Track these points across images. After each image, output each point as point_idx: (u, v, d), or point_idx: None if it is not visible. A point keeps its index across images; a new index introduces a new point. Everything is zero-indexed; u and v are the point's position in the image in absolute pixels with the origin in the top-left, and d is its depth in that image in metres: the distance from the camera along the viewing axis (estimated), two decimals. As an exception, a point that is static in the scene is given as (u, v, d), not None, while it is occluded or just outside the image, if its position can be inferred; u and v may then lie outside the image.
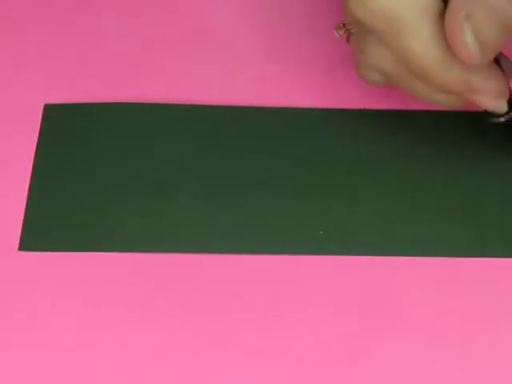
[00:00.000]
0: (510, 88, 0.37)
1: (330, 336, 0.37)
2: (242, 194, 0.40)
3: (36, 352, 0.36)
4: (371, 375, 0.36)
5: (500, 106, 0.37)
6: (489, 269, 0.38)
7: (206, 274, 0.38)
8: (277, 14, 0.47)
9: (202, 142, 0.42)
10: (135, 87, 0.44)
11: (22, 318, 0.37)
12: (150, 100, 0.43)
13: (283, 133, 0.42)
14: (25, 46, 0.45)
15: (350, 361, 0.36)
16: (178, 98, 0.43)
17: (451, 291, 0.38)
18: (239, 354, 0.36)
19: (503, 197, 0.40)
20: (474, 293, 0.38)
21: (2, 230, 0.39)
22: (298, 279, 0.38)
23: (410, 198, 0.40)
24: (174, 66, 0.45)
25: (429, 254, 0.39)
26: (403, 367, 0.36)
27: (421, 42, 0.35)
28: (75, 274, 0.38)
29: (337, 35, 0.40)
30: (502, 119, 0.38)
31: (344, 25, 0.40)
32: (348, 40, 0.40)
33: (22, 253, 0.39)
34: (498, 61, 0.37)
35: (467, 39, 0.34)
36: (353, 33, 0.39)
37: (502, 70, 0.37)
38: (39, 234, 0.39)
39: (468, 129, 0.42)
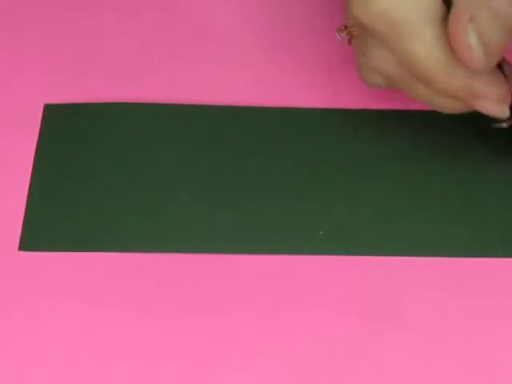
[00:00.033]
0: None
1: (330, 336, 0.37)
2: (241, 194, 0.40)
3: (36, 352, 0.36)
4: (371, 375, 0.36)
5: (502, 112, 0.37)
6: (489, 269, 0.38)
7: (206, 274, 0.38)
8: (277, 14, 0.47)
9: (201, 142, 0.42)
10: (135, 87, 0.44)
11: (22, 318, 0.37)
12: (150, 100, 0.43)
13: (283, 133, 0.42)
14: (25, 46, 0.45)
15: (350, 361, 0.36)
16: (178, 98, 0.43)
17: (451, 291, 0.38)
18: (239, 354, 0.36)
19: (503, 197, 0.40)
20: (474, 293, 0.38)
21: (2, 230, 0.39)
22: (297, 279, 0.38)
23: (410, 198, 0.40)
24: (174, 66, 0.45)
25: (429, 254, 0.39)
26: (403, 367, 0.36)
27: (423, 45, 0.35)
28: (75, 274, 0.38)
29: (338, 37, 0.40)
30: (505, 125, 0.38)
31: (346, 27, 0.39)
32: (350, 42, 0.40)
33: (22, 253, 0.39)
34: (500, 66, 0.37)
35: (471, 42, 0.34)
36: (355, 35, 0.39)
37: (505, 76, 0.37)
38: (39, 234, 0.39)
39: (468, 129, 0.42)
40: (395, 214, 0.40)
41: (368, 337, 0.37)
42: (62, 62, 0.45)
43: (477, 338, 0.37)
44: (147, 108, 0.43)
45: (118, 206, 0.40)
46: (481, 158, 0.41)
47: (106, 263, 0.39)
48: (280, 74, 0.44)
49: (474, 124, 0.41)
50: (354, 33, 0.39)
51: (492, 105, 0.36)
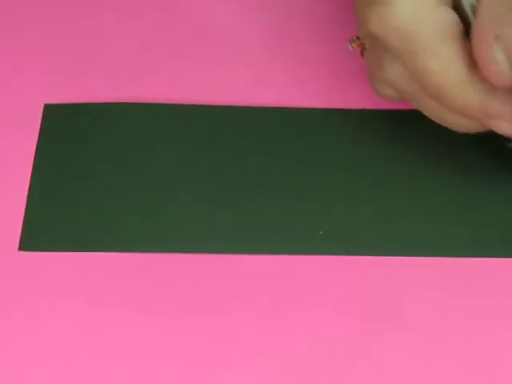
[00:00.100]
0: None
1: (330, 336, 0.37)
2: (241, 194, 0.40)
3: (36, 352, 0.36)
4: (371, 375, 0.36)
5: None
6: (489, 269, 0.38)
7: (206, 274, 0.38)
8: (277, 14, 0.47)
9: (201, 141, 0.42)
10: (135, 87, 0.44)
11: (22, 318, 0.37)
12: (150, 100, 0.43)
13: (283, 133, 0.42)
14: (25, 46, 0.45)
15: (350, 361, 0.36)
16: (178, 98, 0.43)
17: (451, 291, 0.38)
18: (239, 354, 0.36)
19: (503, 197, 0.40)
20: (474, 293, 0.38)
21: (2, 230, 0.39)
22: (297, 279, 0.38)
23: (410, 198, 0.40)
24: (174, 66, 0.45)
25: (429, 254, 0.39)
26: (403, 367, 0.36)
27: (439, 62, 0.35)
28: (75, 274, 0.38)
29: (350, 48, 0.40)
30: None
31: (358, 38, 0.39)
32: (362, 54, 0.40)
33: (22, 253, 0.39)
34: None
35: (498, 59, 0.33)
36: (367, 47, 0.39)
37: None
38: (39, 234, 0.39)
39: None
40: (395, 214, 0.40)
41: (368, 337, 0.37)
42: (62, 62, 0.45)
43: (477, 338, 0.37)
44: (147, 108, 0.43)
45: (117, 206, 0.40)
46: (481, 157, 0.41)
47: (105, 263, 0.39)
48: (280, 74, 0.44)
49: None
50: (367, 45, 0.38)
51: (507, 125, 0.36)
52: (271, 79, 0.44)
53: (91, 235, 0.39)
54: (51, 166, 0.41)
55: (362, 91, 0.43)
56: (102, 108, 0.43)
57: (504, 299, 0.37)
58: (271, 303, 0.37)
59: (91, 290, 0.38)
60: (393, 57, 0.36)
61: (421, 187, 0.40)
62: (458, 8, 0.35)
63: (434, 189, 0.40)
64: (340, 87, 0.44)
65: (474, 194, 0.40)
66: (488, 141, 0.41)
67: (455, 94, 0.35)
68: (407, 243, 0.39)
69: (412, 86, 0.37)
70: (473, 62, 0.35)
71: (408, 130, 0.42)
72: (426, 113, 0.38)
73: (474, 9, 0.34)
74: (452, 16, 0.34)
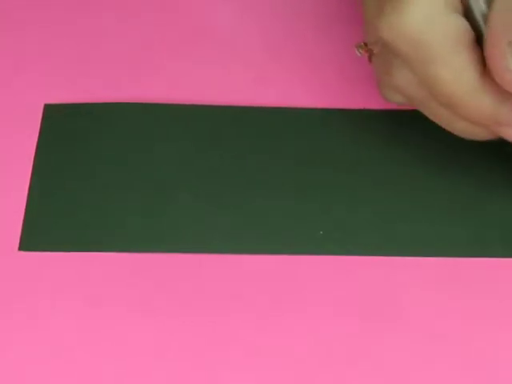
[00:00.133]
0: None
1: (330, 336, 0.37)
2: (242, 194, 0.40)
3: (36, 352, 0.36)
4: (371, 375, 0.36)
5: None
6: (489, 269, 0.38)
7: (206, 274, 0.38)
8: (277, 15, 0.47)
9: (201, 141, 0.42)
10: (135, 87, 0.44)
11: (22, 318, 0.37)
12: (150, 100, 0.43)
13: (283, 133, 0.42)
14: (25, 46, 0.45)
15: (350, 361, 0.36)
16: (178, 98, 0.43)
17: (451, 291, 0.38)
18: (239, 354, 0.36)
19: (503, 197, 0.40)
20: (474, 293, 0.38)
21: (2, 230, 0.39)
22: (298, 279, 0.38)
23: (409, 197, 0.40)
24: (174, 66, 0.45)
25: (429, 254, 0.39)
26: (403, 367, 0.36)
27: (450, 71, 0.34)
28: (75, 274, 0.38)
29: (358, 54, 0.39)
30: None
31: (365, 44, 0.39)
32: (370, 59, 0.40)
33: (22, 253, 0.39)
34: None
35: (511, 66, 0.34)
36: (375, 53, 0.38)
37: None
38: (39, 234, 0.39)
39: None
40: (395, 214, 0.40)
41: (368, 337, 0.37)
42: (62, 62, 0.45)
43: (477, 338, 0.37)
44: (147, 108, 0.43)
45: (117, 206, 0.40)
46: (481, 157, 0.41)
47: (106, 263, 0.39)
48: (280, 74, 0.44)
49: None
50: (375, 51, 0.38)
51: None
52: (271, 79, 0.44)
53: (91, 235, 0.39)
54: (51, 166, 0.41)
55: (363, 91, 0.43)
56: (101, 108, 0.43)
57: (504, 299, 0.37)
58: (271, 303, 0.37)
59: (91, 290, 0.38)
60: (402, 63, 0.36)
61: (421, 187, 0.40)
62: (468, 16, 0.35)
63: (434, 189, 0.40)
64: (340, 87, 0.44)
65: (473, 194, 0.40)
66: (488, 142, 0.41)
67: (466, 102, 0.35)
68: (407, 243, 0.39)
69: (421, 93, 0.37)
70: (484, 70, 0.35)
71: (408, 130, 0.42)
72: (435, 119, 0.38)
73: (485, 17, 0.34)
74: (463, 24, 0.34)
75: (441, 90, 0.35)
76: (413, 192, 0.40)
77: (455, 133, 0.38)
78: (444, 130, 0.41)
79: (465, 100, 0.35)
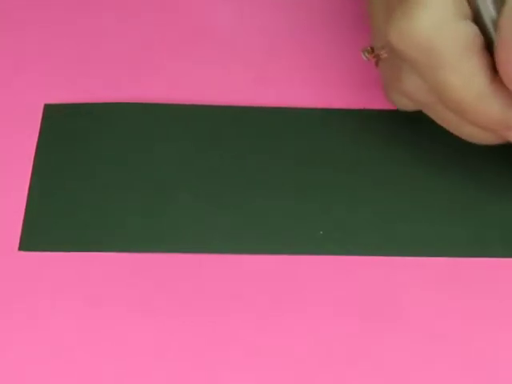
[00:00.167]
0: None
1: (330, 336, 0.37)
2: (242, 194, 0.40)
3: (36, 352, 0.36)
4: (371, 375, 0.36)
5: None
6: (489, 269, 0.38)
7: (206, 274, 0.38)
8: (277, 15, 0.47)
9: (201, 141, 0.42)
10: (135, 87, 0.44)
11: (22, 318, 0.37)
12: (150, 100, 0.43)
13: (283, 133, 0.42)
14: (25, 46, 0.45)
15: (350, 361, 0.36)
16: (178, 98, 0.43)
17: (451, 291, 0.38)
18: (239, 354, 0.36)
19: (503, 197, 0.40)
20: (474, 293, 0.38)
21: (2, 230, 0.39)
22: (297, 279, 0.38)
23: (409, 197, 0.40)
24: (174, 66, 0.45)
25: (429, 254, 0.39)
26: (403, 367, 0.36)
27: (460, 77, 0.34)
28: (75, 274, 0.38)
29: (364, 58, 0.40)
30: None
31: (372, 48, 0.39)
32: (377, 64, 0.40)
33: (22, 253, 0.39)
34: None
35: None
36: (382, 58, 0.38)
37: None
38: (39, 234, 0.39)
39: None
40: (395, 214, 0.40)
41: (368, 337, 0.37)
42: (62, 62, 0.45)
43: (477, 338, 0.37)
44: (147, 108, 0.43)
45: (117, 206, 0.40)
46: (481, 157, 0.41)
47: (106, 263, 0.39)
48: (280, 74, 0.44)
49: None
50: (382, 56, 0.38)
51: None
52: (271, 79, 0.44)
53: (91, 235, 0.39)
54: (51, 165, 0.41)
55: (363, 91, 0.43)
56: (101, 108, 0.43)
57: (504, 299, 0.37)
58: (271, 303, 0.37)
59: (91, 290, 0.38)
60: (411, 69, 0.36)
61: (420, 187, 0.40)
62: (478, 21, 0.35)
63: (434, 189, 0.40)
64: (340, 87, 0.44)
65: (473, 194, 0.40)
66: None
67: (475, 108, 0.35)
68: (407, 243, 0.39)
69: (430, 98, 0.37)
70: (493, 75, 0.35)
71: (408, 130, 0.42)
72: (443, 124, 0.38)
73: (495, 22, 0.34)
74: (472, 30, 0.34)
75: (450, 96, 0.35)
76: (413, 192, 0.40)
77: (463, 137, 0.38)
78: (443, 130, 0.41)
79: (474, 106, 0.35)
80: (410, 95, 0.37)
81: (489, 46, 0.35)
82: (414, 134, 0.42)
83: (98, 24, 0.46)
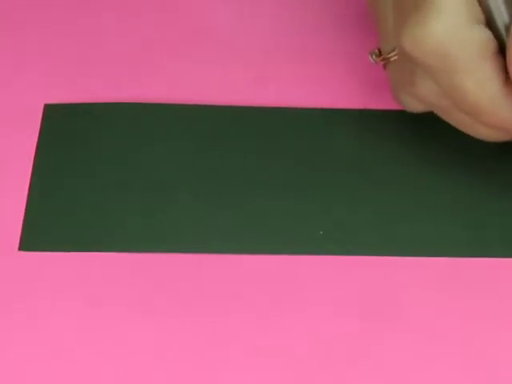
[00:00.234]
0: None
1: (330, 336, 0.37)
2: (242, 194, 0.40)
3: (36, 352, 0.36)
4: (371, 375, 0.36)
5: None
6: (489, 269, 0.38)
7: (206, 274, 0.38)
8: (277, 14, 0.47)
9: (201, 141, 0.42)
10: (135, 87, 0.44)
11: (22, 318, 0.37)
12: (150, 100, 0.43)
13: (283, 133, 0.42)
14: (25, 46, 0.45)
15: (350, 361, 0.36)
16: (178, 98, 0.43)
17: (451, 291, 0.38)
18: (239, 354, 0.36)
19: (503, 197, 0.40)
20: (474, 293, 0.38)
21: (2, 230, 0.39)
22: (298, 279, 0.38)
23: (409, 197, 0.40)
24: (174, 65, 0.45)
25: (429, 254, 0.39)
26: (403, 367, 0.36)
27: (475, 81, 0.35)
28: (75, 274, 0.38)
29: (371, 61, 0.40)
30: None
31: (380, 51, 0.39)
32: (385, 67, 0.40)
33: (22, 253, 0.39)
34: None
35: None
36: (391, 61, 0.39)
37: None
38: (39, 234, 0.39)
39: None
40: (395, 213, 0.40)
41: (368, 337, 0.37)
42: (62, 62, 0.45)
43: (477, 338, 0.37)
44: (147, 108, 0.43)
45: (117, 206, 0.40)
46: (481, 157, 0.41)
47: (106, 263, 0.39)
48: (280, 74, 0.44)
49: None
50: (392, 59, 0.38)
51: None
52: (271, 79, 0.44)
53: (91, 235, 0.39)
54: (51, 166, 0.41)
55: (363, 91, 0.43)
56: (101, 108, 0.43)
57: (504, 299, 0.37)
58: (271, 303, 0.37)
59: (91, 290, 0.38)
60: (425, 73, 0.36)
61: (420, 187, 0.40)
62: (491, 25, 0.35)
63: (433, 189, 0.40)
64: (340, 87, 0.44)
65: (474, 194, 0.40)
66: (490, 141, 0.41)
67: (490, 111, 0.35)
68: (407, 243, 0.39)
69: (444, 102, 0.37)
70: (507, 78, 0.35)
71: (408, 130, 0.42)
72: (456, 125, 0.38)
73: (507, 27, 0.35)
74: (486, 35, 0.34)
75: (465, 100, 0.35)
76: (412, 192, 0.40)
77: (476, 137, 0.38)
78: (444, 130, 0.42)
79: (489, 109, 0.35)
80: (424, 98, 0.37)
81: (502, 50, 0.35)
82: (413, 134, 0.42)
83: (98, 24, 0.46)
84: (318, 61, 0.45)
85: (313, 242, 0.39)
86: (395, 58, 0.38)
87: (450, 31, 0.34)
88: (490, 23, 0.35)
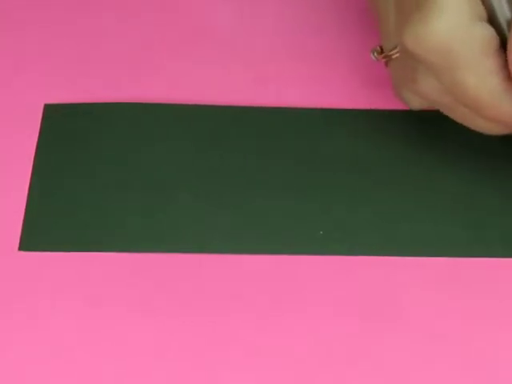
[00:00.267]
0: None
1: (330, 336, 0.37)
2: (242, 194, 0.40)
3: (36, 352, 0.36)
4: (371, 375, 0.36)
5: None
6: (489, 269, 0.38)
7: (206, 274, 0.38)
8: (277, 14, 0.47)
9: (202, 141, 0.42)
10: (135, 87, 0.44)
11: (22, 318, 0.37)
12: (150, 100, 0.43)
13: (283, 133, 0.42)
14: (25, 46, 0.45)
15: (350, 361, 0.36)
16: (178, 98, 0.43)
17: (451, 291, 0.38)
18: (239, 354, 0.36)
19: (503, 197, 0.40)
20: (474, 293, 0.38)
21: (2, 230, 0.39)
22: (297, 279, 0.38)
23: (409, 197, 0.40)
24: (174, 66, 0.45)
25: (429, 254, 0.39)
26: (403, 367, 0.36)
27: (477, 77, 0.35)
28: (75, 274, 0.38)
29: (373, 58, 0.40)
30: None
31: (382, 49, 0.39)
32: (387, 64, 0.40)
33: (22, 253, 0.39)
34: None
35: None
36: (393, 58, 0.39)
37: None
38: (39, 234, 0.39)
39: (469, 129, 0.42)
40: (395, 213, 0.40)
41: (368, 337, 0.37)
42: (62, 62, 0.45)
43: (477, 337, 0.37)
44: (147, 108, 0.43)
45: (117, 206, 0.40)
46: (481, 157, 0.41)
47: (106, 263, 0.39)
48: (280, 74, 0.44)
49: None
50: (394, 57, 0.38)
51: None
52: (271, 79, 0.44)
53: (91, 235, 0.39)
54: (51, 166, 0.41)
55: (363, 91, 0.43)
56: (101, 108, 0.43)
57: (504, 299, 0.37)
58: (271, 303, 0.37)
59: (91, 290, 0.38)
60: (427, 71, 0.37)
61: (421, 187, 0.40)
62: (493, 22, 0.35)
63: (434, 189, 0.40)
64: (340, 87, 0.44)
65: (474, 194, 0.40)
66: (490, 141, 0.41)
67: (492, 105, 0.36)
68: (407, 243, 0.39)
69: (446, 98, 0.37)
70: (508, 74, 0.36)
71: (408, 130, 0.42)
72: (457, 119, 0.38)
73: (509, 23, 0.35)
74: (488, 31, 0.35)
75: (466, 95, 0.36)
76: (412, 192, 0.40)
77: (477, 130, 0.38)
78: (445, 130, 0.42)
79: (490, 104, 0.36)
80: (426, 95, 0.38)
81: (504, 46, 0.35)
82: (414, 134, 0.42)
83: (98, 24, 0.46)
84: (318, 61, 0.45)
85: (313, 242, 0.39)
86: (397, 55, 0.38)
87: (452, 29, 0.34)
88: (492, 20, 0.35)
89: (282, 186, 0.40)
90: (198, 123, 0.42)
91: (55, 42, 0.46)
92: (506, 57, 0.35)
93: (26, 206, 0.40)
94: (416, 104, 0.39)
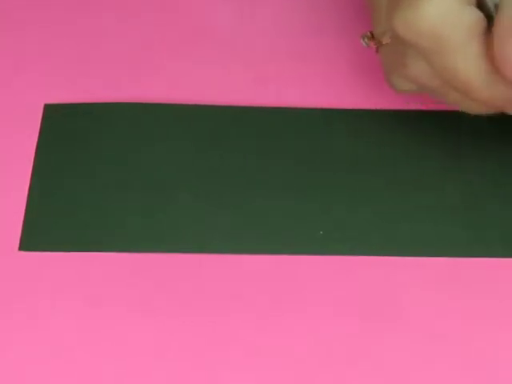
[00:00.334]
0: None
1: (330, 336, 0.37)
2: (242, 194, 0.40)
3: (36, 352, 0.36)
4: (371, 375, 0.36)
5: None
6: (489, 269, 0.38)
7: (206, 274, 0.38)
8: (277, 14, 0.47)
9: (201, 141, 0.42)
10: (135, 87, 0.44)
11: (22, 318, 0.37)
12: (150, 100, 0.43)
13: (283, 133, 0.42)
14: (25, 46, 0.45)
15: (350, 361, 0.36)
16: (178, 98, 0.43)
17: (451, 291, 0.38)
18: (239, 354, 0.36)
19: (503, 197, 0.40)
20: (474, 293, 0.38)
21: (2, 230, 0.39)
22: (297, 279, 0.38)
23: (409, 197, 0.40)
24: (174, 66, 0.45)
25: (429, 254, 0.39)
26: (403, 367, 0.36)
27: (466, 60, 0.35)
28: (75, 274, 0.38)
29: (363, 44, 0.40)
30: None
31: (372, 34, 0.40)
32: (377, 50, 0.40)
33: (22, 253, 0.39)
34: None
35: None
36: (383, 44, 0.39)
37: None
38: (39, 234, 0.39)
39: (468, 129, 0.42)
40: (395, 213, 0.40)
41: (368, 337, 0.37)
42: (62, 62, 0.45)
43: (477, 338, 0.37)
44: (147, 108, 0.43)
45: (117, 206, 0.40)
46: (481, 157, 0.41)
47: (106, 263, 0.39)
48: (280, 74, 0.44)
49: (474, 124, 0.41)
50: (384, 42, 0.39)
51: None
52: (271, 79, 0.44)
53: (91, 235, 0.39)
54: (51, 166, 0.41)
55: (363, 91, 0.43)
56: (101, 108, 0.43)
57: (504, 299, 0.37)
58: (271, 303, 0.37)
59: (91, 290, 0.38)
60: (417, 55, 0.37)
61: (420, 187, 0.40)
62: (482, 6, 0.35)
63: (434, 189, 0.40)
64: (340, 87, 0.44)
65: (474, 194, 0.40)
66: (490, 141, 0.41)
67: (481, 88, 0.36)
68: (407, 243, 0.39)
69: (436, 82, 0.37)
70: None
71: (408, 130, 0.42)
72: (446, 101, 0.39)
73: (497, 7, 0.35)
74: (477, 15, 0.35)
75: (456, 78, 0.36)
76: (412, 192, 0.40)
77: (466, 111, 0.38)
78: (444, 130, 0.41)
79: (479, 86, 0.36)
80: (416, 80, 0.38)
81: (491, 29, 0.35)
82: (413, 134, 0.42)
83: (98, 24, 0.46)
84: (318, 61, 0.45)
85: (313, 242, 0.39)
86: (388, 41, 0.38)
87: (442, 14, 0.34)
88: (480, 3, 0.35)
89: (281, 186, 0.40)
90: (198, 123, 0.42)
91: (55, 42, 0.46)
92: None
93: (26, 206, 0.40)
94: (404, 88, 0.39)
